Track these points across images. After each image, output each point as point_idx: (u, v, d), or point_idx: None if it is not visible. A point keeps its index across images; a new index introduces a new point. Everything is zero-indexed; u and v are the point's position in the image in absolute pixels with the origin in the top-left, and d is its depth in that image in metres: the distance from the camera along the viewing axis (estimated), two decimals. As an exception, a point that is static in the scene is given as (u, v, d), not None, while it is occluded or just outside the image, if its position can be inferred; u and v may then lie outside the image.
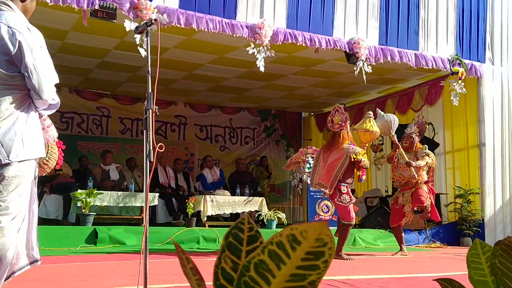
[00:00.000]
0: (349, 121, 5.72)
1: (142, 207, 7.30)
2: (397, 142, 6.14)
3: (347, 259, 5.46)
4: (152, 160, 2.27)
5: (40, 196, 7.68)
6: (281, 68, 9.24)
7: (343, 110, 5.73)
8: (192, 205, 7.03)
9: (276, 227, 7.48)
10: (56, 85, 9.31)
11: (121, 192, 7.07)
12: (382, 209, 8.63)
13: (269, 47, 6.92)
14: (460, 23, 8.56)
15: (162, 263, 4.63)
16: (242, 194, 8.25)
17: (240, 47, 7.59)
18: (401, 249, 6.44)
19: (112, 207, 7.38)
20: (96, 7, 5.86)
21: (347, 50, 7.49)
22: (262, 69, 6.89)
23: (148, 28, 2.70)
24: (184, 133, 11.94)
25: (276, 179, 12.13)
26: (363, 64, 7.55)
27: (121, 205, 7.00)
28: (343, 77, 9.71)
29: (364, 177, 5.86)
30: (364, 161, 5.53)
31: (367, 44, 7.56)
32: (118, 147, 11.17)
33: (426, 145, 6.66)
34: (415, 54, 8.05)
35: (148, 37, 2.80)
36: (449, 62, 8.28)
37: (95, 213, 6.46)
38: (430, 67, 8.14)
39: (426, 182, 6.37)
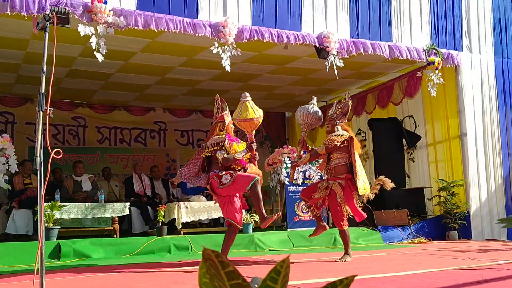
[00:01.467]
0: (226, 111, 5.09)
1: (113, 217, 7.05)
2: (304, 141, 5.48)
3: None
4: (37, 168, 2.03)
5: (9, 212, 7.45)
6: (254, 68, 9.03)
7: (220, 100, 5.19)
8: (162, 213, 6.77)
9: (252, 231, 7.23)
10: (29, 98, 9.04)
11: (89, 204, 6.81)
12: (364, 207, 8.37)
13: (235, 46, 6.69)
14: (435, 12, 8.34)
15: (103, 278, 4.39)
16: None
17: (207, 47, 7.35)
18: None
19: (86, 219, 7.13)
20: (47, 12, 5.61)
21: (317, 45, 7.26)
22: (228, 68, 6.66)
23: (47, 23, 2.47)
24: (164, 140, 11.69)
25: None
26: (334, 58, 7.32)
27: (89, 216, 6.75)
28: (320, 73, 9.45)
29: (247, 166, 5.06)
30: (219, 154, 4.81)
31: (337, 38, 7.33)
32: (96, 157, 10.93)
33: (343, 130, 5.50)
34: (388, 45, 7.82)
35: (47, 33, 2.57)
36: (425, 52, 8.06)
37: (59, 227, 6.21)
38: (405, 58, 7.92)
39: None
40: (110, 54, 7.78)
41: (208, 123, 12.10)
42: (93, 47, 5.95)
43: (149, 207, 8.19)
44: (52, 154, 2.05)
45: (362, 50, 7.58)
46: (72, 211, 6.62)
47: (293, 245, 7.16)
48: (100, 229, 7.10)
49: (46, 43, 2.60)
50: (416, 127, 9.58)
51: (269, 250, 6.85)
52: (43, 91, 2.21)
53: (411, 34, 8.11)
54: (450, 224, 8.03)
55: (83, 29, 5.84)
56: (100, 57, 6.01)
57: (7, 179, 6.48)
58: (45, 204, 6.28)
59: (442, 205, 8.26)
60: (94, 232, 7.15)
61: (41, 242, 2.27)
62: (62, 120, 10.80)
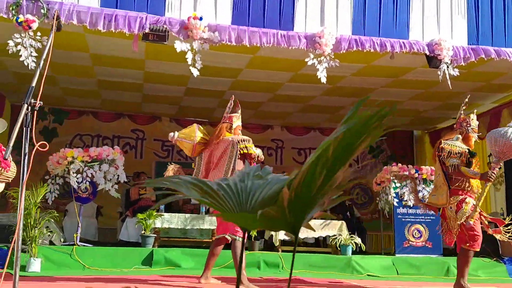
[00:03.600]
0: (237, 114, 4.84)
1: (213, 230, 7.14)
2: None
3: None
4: (6, 158, 2.04)
5: (123, 220, 7.99)
6: (366, 81, 8.58)
7: (233, 101, 4.93)
8: (256, 228, 6.67)
9: (352, 254, 6.75)
10: (157, 116, 9.68)
11: (188, 215, 7.00)
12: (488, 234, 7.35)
13: (332, 56, 6.41)
14: None
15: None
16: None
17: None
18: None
19: (191, 229, 7.36)
20: (147, 30, 5.97)
21: (427, 53, 6.64)
22: (323, 80, 6.38)
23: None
24: (281, 157, 11.68)
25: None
26: (448, 67, 6.62)
27: (189, 227, 6.93)
28: (443, 86, 8.64)
29: None
30: (256, 152, 4.57)
31: (451, 45, 6.63)
32: (216, 173, 11.28)
33: None
34: (517, 51, 6.86)
35: (50, 40, 2.62)
36: None
37: (155, 235, 6.46)
38: (538, 65, 6.86)
39: None
40: (218, 71, 8.09)
41: (327, 141, 11.84)
42: (189, 62, 6.13)
43: (253, 223, 8.16)
44: (37, 146, 2.06)
45: (484, 56, 6.74)
46: (172, 220, 6.85)
47: (397, 272, 6.53)
48: (199, 241, 7.24)
49: (47, 49, 2.63)
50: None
51: (368, 275, 6.32)
52: (33, 84, 2.23)
53: (547, 37, 7.02)
54: None
55: (180, 46, 6.05)
56: (195, 72, 6.17)
57: (117, 188, 6.94)
58: (145, 212, 6.59)
59: None
60: (195, 243, 7.30)
61: (17, 246, 2.25)
62: (186, 137, 11.40)
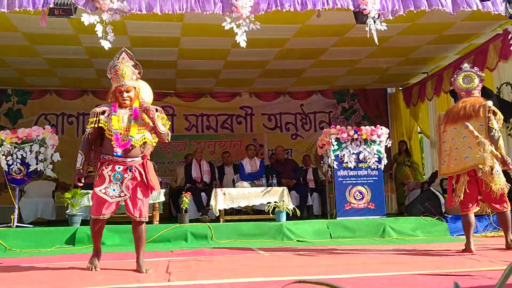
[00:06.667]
0: (113, 75, 4.00)
1: (154, 204, 7.09)
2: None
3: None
4: None
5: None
6: (313, 42, 8.26)
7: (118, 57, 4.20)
8: (186, 200, 6.58)
9: (286, 220, 6.63)
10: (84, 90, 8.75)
11: (123, 190, 6.93)
12: (429, 192, 7.13)
13: (252, 19, 6.15)
14: (522, -50, 6.63)
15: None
16: (277, 185, 7.50)
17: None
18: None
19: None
20: (51, 5, 5.80)
21: (352, 8, 6.30)
22: (243, 44, 6.14)
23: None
24: (251, 124, 11.51)
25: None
26: (374, 22, 6.29)
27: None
28: (397, 41, 8.32)
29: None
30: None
31: (377, -2, 6.27)
32: (184, 144, 11.22)
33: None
34: (452, -1, 6.45)
35: None
36: (506, 2, 6.46)
37: (82, 213, 6.44)
38: (473, 9, 6.43)
39: None
40: (156, 41, 7.91)
41: (297, 105, 11.63)
42: (99, 35, 5.96)
43: (203, 194, 8.10)
44: None
45: (413, 8, 6.37)
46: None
47: (331, 236, 6.39)
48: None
49: None
50: (515, 96, 7.83)
51: (298, 241, 6.20)
52: None
53: (485, -19, 6.57)
54: (545, 215, 6.37)
55: (87, 19, 5.87)
56: (106, 45, 5.99)
57: (52, 167, 6.91)
58: (69, 191, 6.57)
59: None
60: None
61: None
62: (153, 110, 11.30)
